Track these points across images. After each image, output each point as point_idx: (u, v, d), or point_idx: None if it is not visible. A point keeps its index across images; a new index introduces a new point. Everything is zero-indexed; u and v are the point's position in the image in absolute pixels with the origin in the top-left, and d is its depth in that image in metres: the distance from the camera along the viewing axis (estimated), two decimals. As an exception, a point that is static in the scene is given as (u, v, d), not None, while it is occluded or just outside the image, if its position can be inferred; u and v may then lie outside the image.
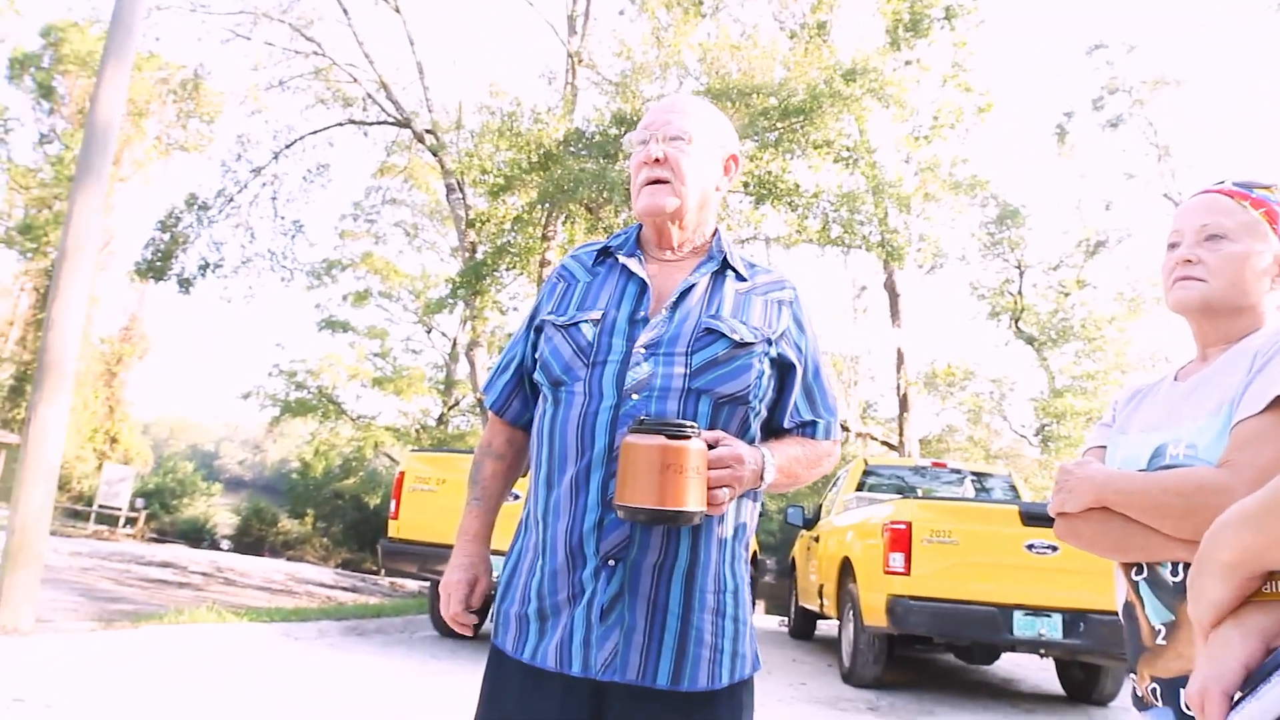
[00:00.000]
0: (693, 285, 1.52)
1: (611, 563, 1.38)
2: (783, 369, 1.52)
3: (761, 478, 1.42)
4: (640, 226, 1.63)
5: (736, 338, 1.45)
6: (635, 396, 1.41)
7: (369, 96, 16.50)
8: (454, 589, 1.57)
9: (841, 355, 19.71)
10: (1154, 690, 1.31)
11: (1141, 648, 1.34)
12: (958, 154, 18.18)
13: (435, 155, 15.80)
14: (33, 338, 31.89)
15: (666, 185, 1.52)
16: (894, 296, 18.07)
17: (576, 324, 1.49)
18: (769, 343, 1.49)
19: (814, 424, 1.57)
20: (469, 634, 1.61)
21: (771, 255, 16.87)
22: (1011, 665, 8.13)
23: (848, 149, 12.99)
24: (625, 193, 10.86)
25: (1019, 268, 20.96)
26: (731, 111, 11.84)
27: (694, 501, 1.28)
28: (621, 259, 1.56)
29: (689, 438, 1.29)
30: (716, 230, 1.62)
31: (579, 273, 1.59)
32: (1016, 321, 20.62)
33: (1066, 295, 20.88)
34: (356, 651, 5.85)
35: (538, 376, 1.53)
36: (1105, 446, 1.47)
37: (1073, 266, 21.28)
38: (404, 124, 16.28)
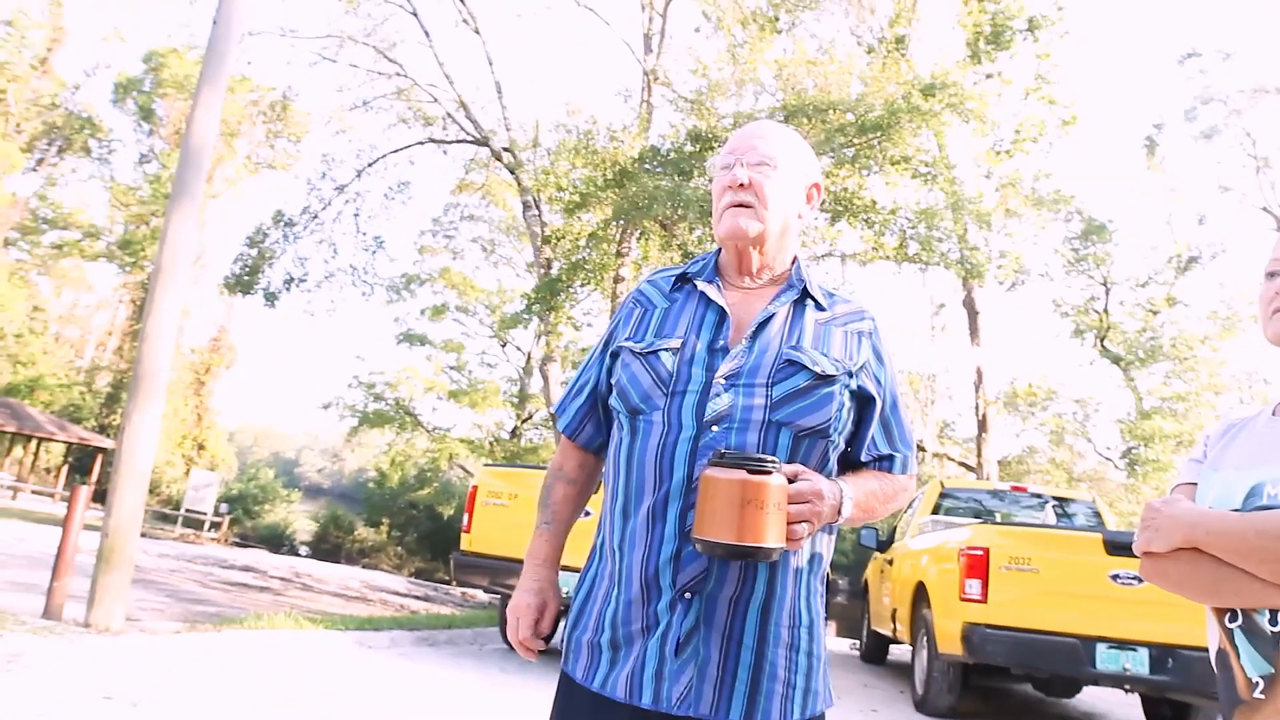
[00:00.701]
0: (772, 315, 1.50)
1: (688, 596, 1.37)
2: (862, 402, 1.50)
3: (839, 512, 1.40)
4: (719, 252, 1.62)
5: (818, 370, 1.44)
6: (715, 428, 1.40)
7: (448, 115, 16.89)
8: (523, 613, 1.57)
9: (919, 374, 19.34)
10: None
11: (1237, 700, 1.26)
12: (1040, 168, 17.75)
13: (512, 173, 16.07)
14: (129, 348, 33.40)
15: (749, 210, 1.52)
16: (973, 314, 17.67)
17: (655, 352, 1.48)
18: (850, 375, 1.47)
19: (891, 458, 1.54)
20: (534, 659, 1.62)
21: (847, 272, 16.68)
22: (1094, 698, 7.83)
23: (926, 165, 12.78)
24: (700, 209, 10.86)
25: (1105, 284, 20.33)
26: (808, 128, 11.76)
27: (773, 537, 1.27)
28: (700, 285, 1.55)
29: (770, 473, 1.27)
30: (795, 259, 1.60)
31: (656, 299, 1.58)
32: (1102, 340, 19.97)
33: (1155, 313, 20.16)
34: (427, 661, 5.93)
35: (614, 403, 1.52)
36: (1196, 484, 1.40)
37: (1163, 283, 20.54)
38: (482, 142, 16.61)
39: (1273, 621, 1.20)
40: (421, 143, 17.67)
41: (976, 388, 17.63)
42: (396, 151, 17.59)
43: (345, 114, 17.58)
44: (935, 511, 8.25)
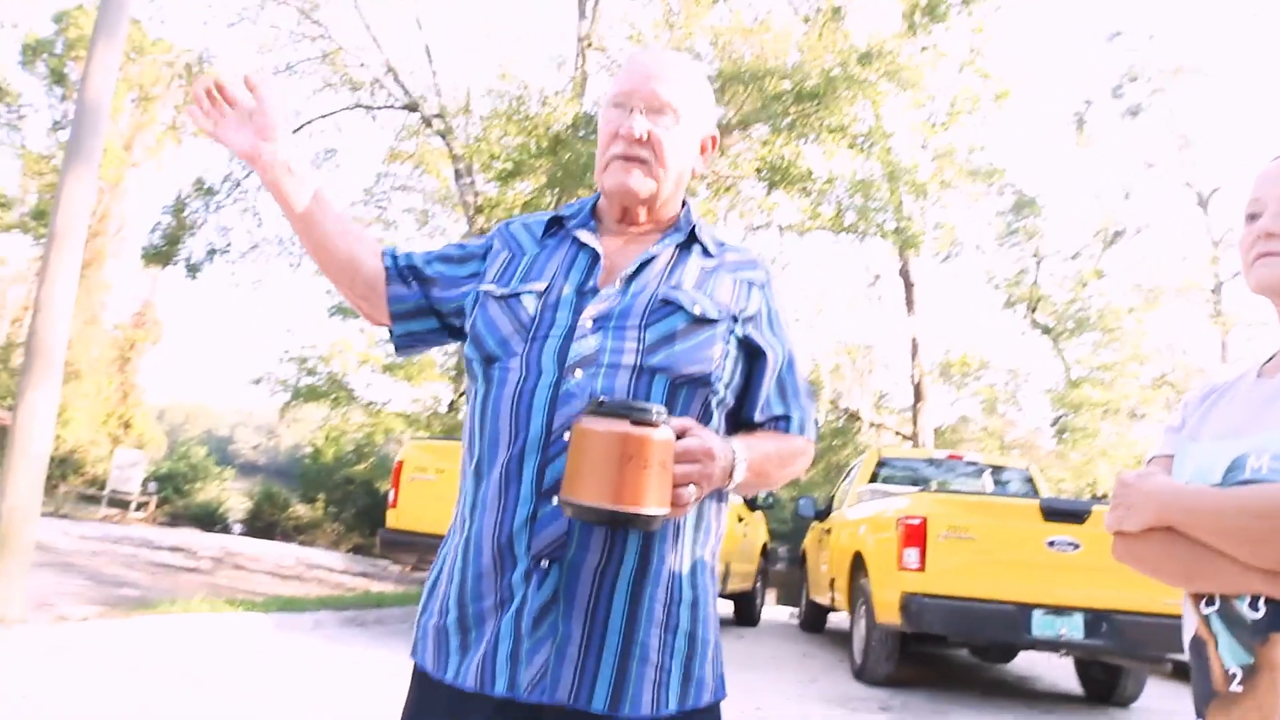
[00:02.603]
0: (653, 257, 1.34)
1: (545, 564, 1.19)
2: (751, 354, 1.34)
3: (731, 475, 1.22)
4: (599, 196, 1.43)
5: (697, 311, 1.27)
6: (579, 373, 1.23)
7: (377, 81, 16.31)
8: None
9: (855, 344, 19.44)
10: None
11: (1212, 693, 1.14)
12: (975, 142, 17.87)
13: (444, 139, 15.62)
14: (45, 323, 31.95)
15: (644, 166, 1.34)
16: (909, 285, 17.83)
17: (517, 295, 1.31)
18: (735, 320, 1.31)
19: (787, 418, 1.38)
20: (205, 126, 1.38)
21: (785, 244, 16.64)
22: (1028, 664, 7.93)
23: (863, 135, 12.73)
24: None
25: (1035, 257, 20.66)
26: (744, 95, 11.61)
27: (656, 501, 1.08)
28: (573, 230, 1.38)
29: (657, 425, 1.08)
30: (685, 202, 1.43)
31: (526, 242, 1.41)
32: (1033, 311, 20.33)
33: (1084, 285, 20.56)
34: (353, 643, 5.70)
35: (468, 352, 1.33)
36: (1172, 455, 1.26)
37: (1090, 257, 20.96)
38: (412, 108, 16.10)
39: (1254, 607, 1.08)
40: (349, 108, 17.07)
41: (912, 358, 17.81)
42: (323, 117, 16.97)
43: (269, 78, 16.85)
44: (873, 480, 8.26)
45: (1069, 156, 33.09)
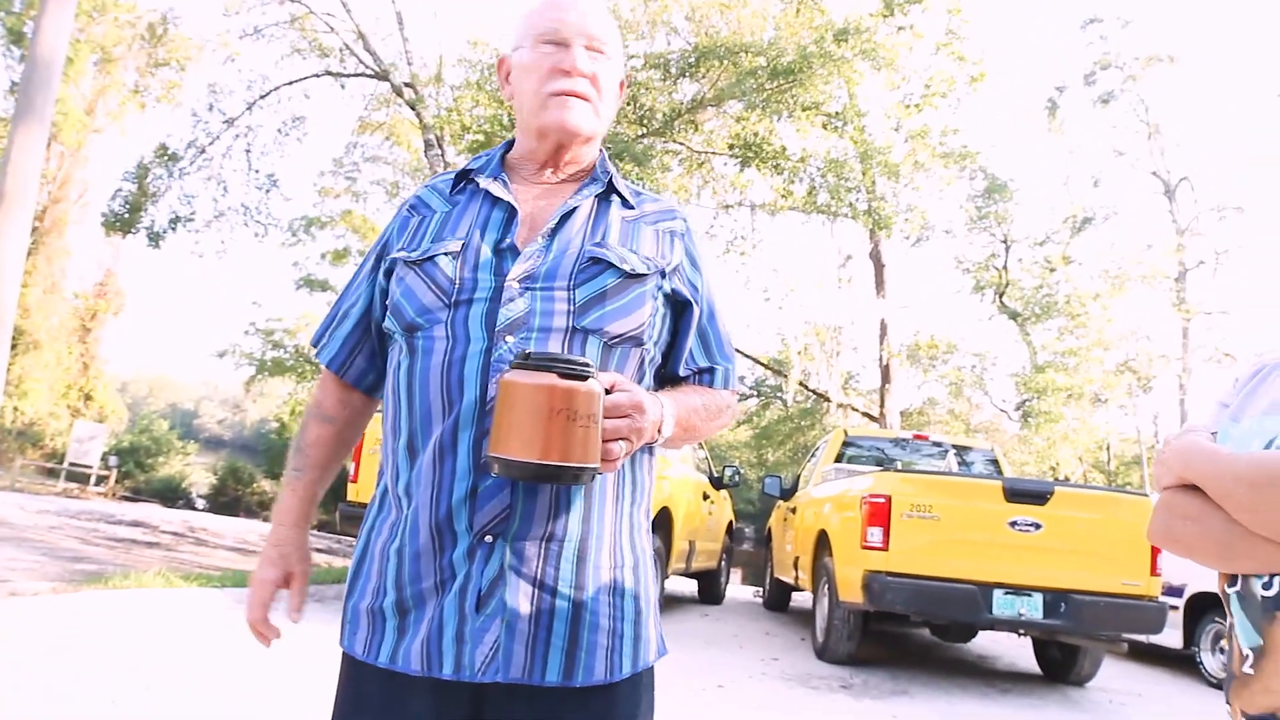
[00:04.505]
0: (574, 209, 1.29)
1: (489, 539, 1.15)
2: (677, 308, 1.32)
3: (660, 430, 1.20)
4: (507, 146, 1.38)
5: (627, 268, 1.24)
6: (510, 339, 1.18)
7: (346, 47, 16.00)
8: (257, 589, 1.32)
9: (824, 325, 19.49)
10: None
11: (1232, 676, 1.10)
12: (948, 124, 17.89)
13: (414, 110, 15.37)
14: (3, 290, 31.22)
15: (588, 105, 1.29)
16: (879, 267, 17.87)
17: (432, 258, 1.24)
18: (662, 275, 1.28)
19: (712, 371, 1.36)
20: (267, 644, 1.35)
21: (757, 221, 16.59)
22: (988, 643, 8.02)
23: (837, 114, 12.68)
24: (609, 147, 10.53)
25: (1005, 242, 20.79)
26: (719, 70, 11.50)
27: (586, 456, 1.05)
28: (483, 183, 1.31)
29: (585, 378, 1.06)
30: (601, 150, 1.39)
31: (435, 202, 1.34)
32: (1000, 296, 20.48)
33: (1052, 271, 20.73)
34: (310, 619, 5.59)
35: (388, 324, 1.27)
36: (1215, 432, 1.21)
37: (1059, 243, 21.12)
38: (382, 76, 15.81)
39: (1267, 586, 1.05)
40: (318, 75, 16.74)
41: (881, 340, 17.88)
42: (291, 84, 16.62)
43: (234, 42, 16.48)
44: (839, 460, 8.27)
45: (1041, 142, 33.32)
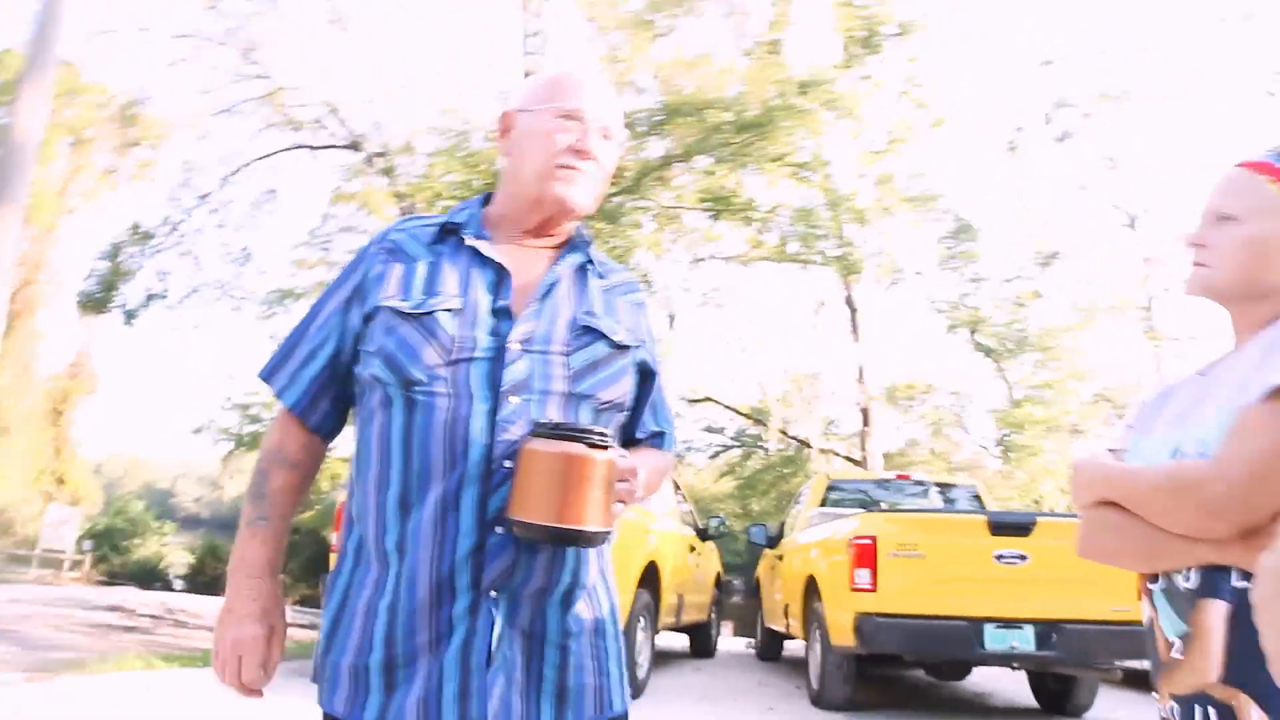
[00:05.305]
0: (558, 279, 1.34)
1: (494, 594, 1.18)
2: (644, 376, 1.41)
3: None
4: (484, 200, 1.43)
5: (616, 339, 1.32)
6: (514, 399, 1.21)
7: (318, 121, 16.20)
8: (249, 649, 1.26)
9: (802, 372, 19.62)
10: (1174, 710, 1.21)
11: (1160, 664, 1.24)
12: (913, 168, 18.27)
13: (387, 177, 15.53)
14: (-25, 374, 30.87)
15: (591, 185, 1.36)
16: (853, 311, 18.07)
17: (431, 313, 1.25)
18: (639, 347, 1.38)
19: (663, 435, 1.48)
20: (260, 698, 1.31)
21: (729, 274, 16.76)
22: (984, 679, 7.98)
23: (804, 164, 12.94)
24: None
25: (974, 280, 21.11)
26: (687, 126, 11.74)
27: (603, 520, 1.14)
28: (470, 240, 1.34)
29: (608, 448, 1.15)
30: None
31: (415, 250, 1.34)
32: (974, 334, 20.72)
33: (1022, 306, 21.04)
34: (294, 693, 5.49)
35: (378, 373, 1.25)
36: (1126, 449, 1.37)
37: (1028, 278, 21.48)
38: (354, 147, 16.00)
39: (1187, 578, 1.18)
40: (290, 149, 16.90)
41: (859, 383, 18.00)
42: (263, 158, 16.77)
43: (208, 119, 16.65)
44: (823, 504, 8.27)
45: (1004, 181, 34.10)
